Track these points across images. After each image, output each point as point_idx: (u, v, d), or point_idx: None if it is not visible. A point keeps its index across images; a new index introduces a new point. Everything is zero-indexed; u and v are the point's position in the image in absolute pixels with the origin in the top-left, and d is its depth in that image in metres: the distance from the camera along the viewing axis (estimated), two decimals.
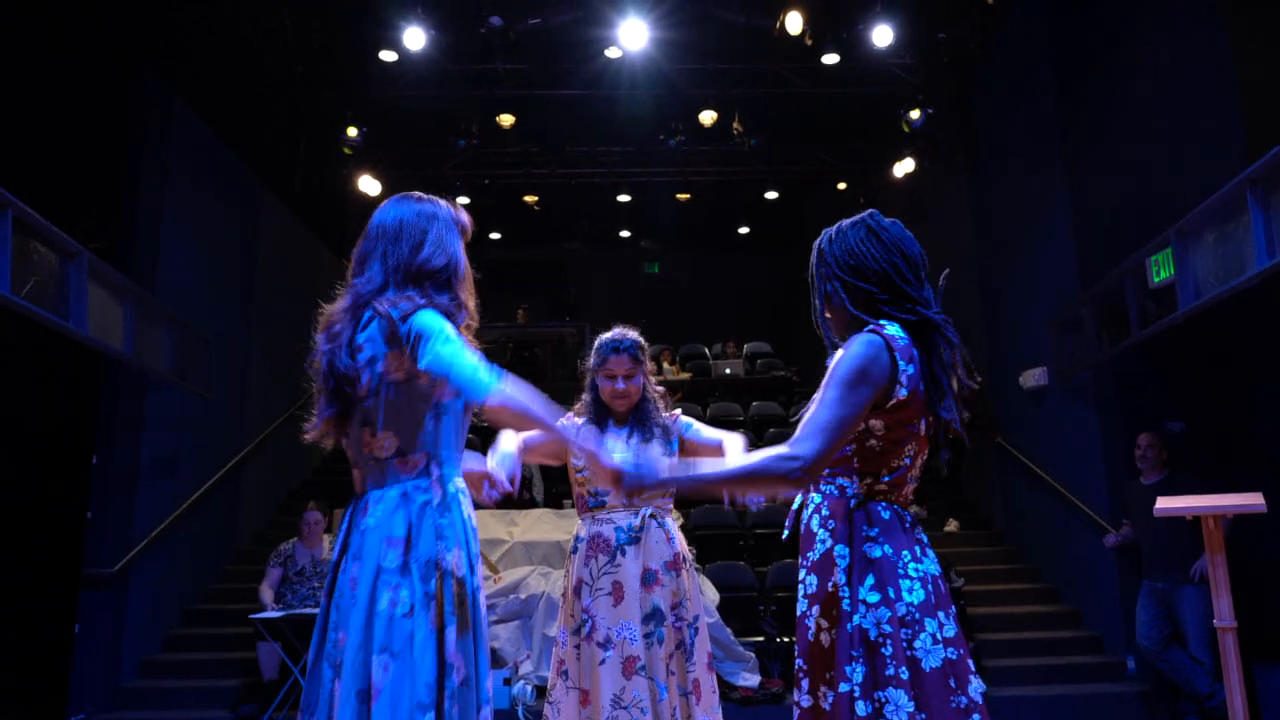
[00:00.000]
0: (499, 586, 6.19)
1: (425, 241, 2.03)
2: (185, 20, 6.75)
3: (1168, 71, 5.87)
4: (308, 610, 5.60)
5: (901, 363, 1.79)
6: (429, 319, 1.90)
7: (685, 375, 11.83)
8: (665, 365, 11.82)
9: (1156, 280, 5.62)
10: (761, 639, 6.32)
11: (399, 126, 9.27)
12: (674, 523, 3.02)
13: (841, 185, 11.86)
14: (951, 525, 8.62)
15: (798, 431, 1.79)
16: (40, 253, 5.07)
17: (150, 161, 6.95)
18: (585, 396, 3.09)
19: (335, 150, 8.84)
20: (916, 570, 1.79)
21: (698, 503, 8.25)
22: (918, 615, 1.75)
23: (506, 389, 1.83)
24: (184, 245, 7.28)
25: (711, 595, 6.31)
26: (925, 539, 1.87)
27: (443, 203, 2.15)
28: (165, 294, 6.73)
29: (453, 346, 1.86)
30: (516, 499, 3.06)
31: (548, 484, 8.57)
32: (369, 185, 9.48)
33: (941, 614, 1.78)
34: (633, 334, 3.08)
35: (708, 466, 1.92)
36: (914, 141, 9.24)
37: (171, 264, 6.99)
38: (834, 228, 1.98)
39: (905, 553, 1.80)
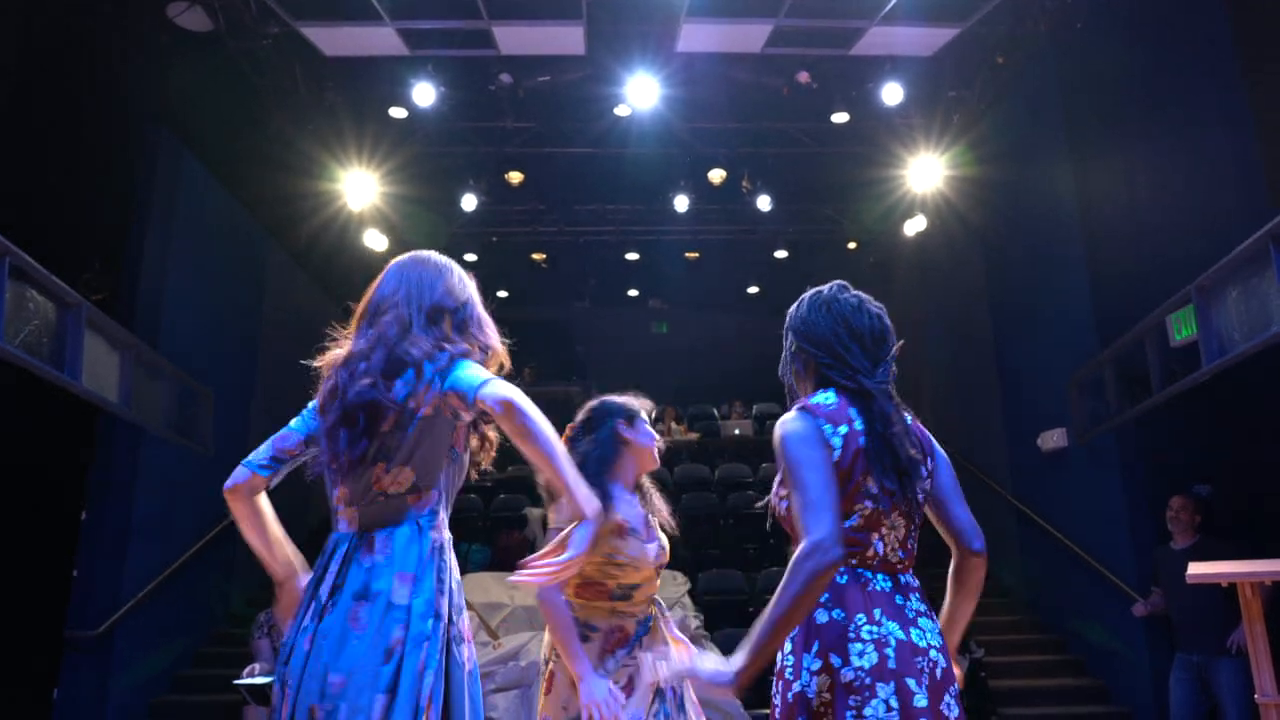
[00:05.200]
0: (498, 653, 5.91)
1: (439, 286, 2.10)
2: (197, 76, 6.80)
3: (1185, 124, 5.81)
4: None
5: (828, 427, 1.82)
6: (461, 362, 1.96)
7: (693, 435, 11.61)
8: (673, 425, 11.63)
9: (1178, 338, 5.46)
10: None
11: (407, 183, 9.29)
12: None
13: (852, 245, 11.82)
14: None
15: (797, 527, 1.73)
16: (37, 301, 4.99)
17: (158, 214, 6.93)
18: (591, 452, 2.71)
19: (343, 206, 8.84)
20: (871, 633, 1.72)
21: (705, 566, 8.00)
22: (868, 680, 1.67)
23: (512, 389, 1.87)
24: (190, 299, 7.23)
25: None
26: (900, 601, 1.78)
27: (454, 263, 2.23)
28: (169, 348, 6.64)
29: (474, 369, 1.94)
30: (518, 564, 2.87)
31: None
32: (376, 241, 9.47)
33: (911, 680, 1.68)
34: None
35: (755, 632, 1.74)
36: (925, 200, 9.20)
37: (176, 317, 6.92)
38: (805, 294, 2.07)
39: (860, 615, 1.74)
